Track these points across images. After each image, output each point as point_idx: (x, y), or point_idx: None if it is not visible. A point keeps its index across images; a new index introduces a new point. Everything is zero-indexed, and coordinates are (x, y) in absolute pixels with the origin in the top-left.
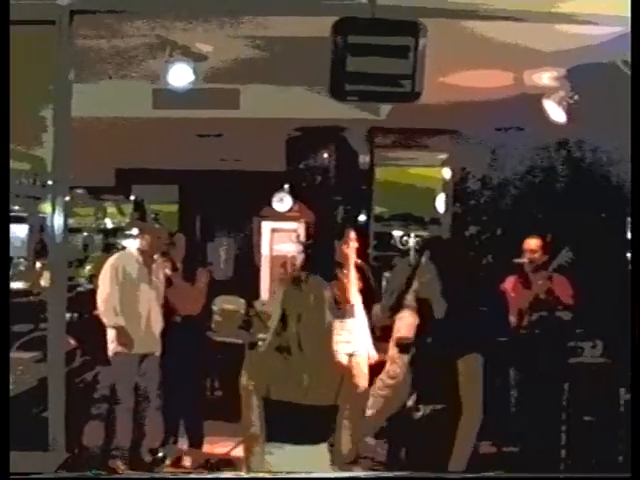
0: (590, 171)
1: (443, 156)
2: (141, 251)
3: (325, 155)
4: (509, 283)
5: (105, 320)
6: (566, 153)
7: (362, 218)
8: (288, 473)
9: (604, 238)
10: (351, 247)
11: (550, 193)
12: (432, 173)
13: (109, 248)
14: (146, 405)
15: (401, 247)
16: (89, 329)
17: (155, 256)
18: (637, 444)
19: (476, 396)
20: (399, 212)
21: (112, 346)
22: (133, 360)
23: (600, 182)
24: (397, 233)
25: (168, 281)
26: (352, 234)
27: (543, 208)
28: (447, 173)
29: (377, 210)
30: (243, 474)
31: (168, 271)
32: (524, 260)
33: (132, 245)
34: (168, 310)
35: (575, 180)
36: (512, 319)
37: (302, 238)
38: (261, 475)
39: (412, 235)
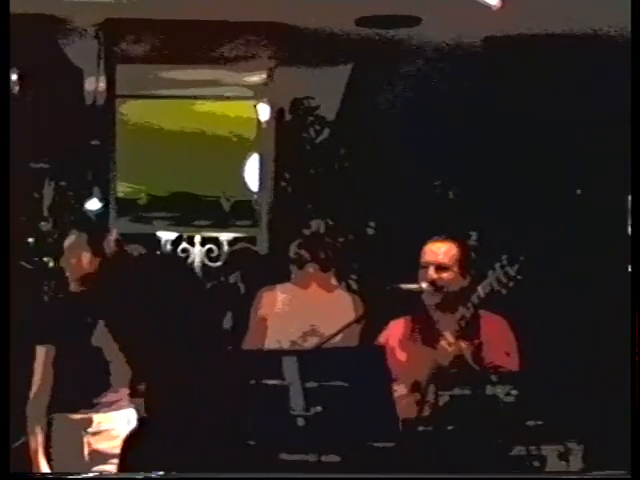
0: (541, 101)
1: (257, 78)
2: None
3: (14, 77)
4: (395, 332)
5: None
6: (496, 67)
7: (92, 205)
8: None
9: (575, 236)
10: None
11: (470, 150)
12: (235, 112)
13: None
14: None
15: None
16: None
17: None
18: (637, 444)
19: None
20: (170, 193)
21: None
22: None
23: (564, 124)
24: (168, 236)
25: None
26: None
27: (457, 179)
28: (264, 112)
29: (123, 189)
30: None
31: None
32: (422, 286)
33: None
34: None
35: (513, 120)
36: (402, 403)
37: None
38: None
39: (198, 240)
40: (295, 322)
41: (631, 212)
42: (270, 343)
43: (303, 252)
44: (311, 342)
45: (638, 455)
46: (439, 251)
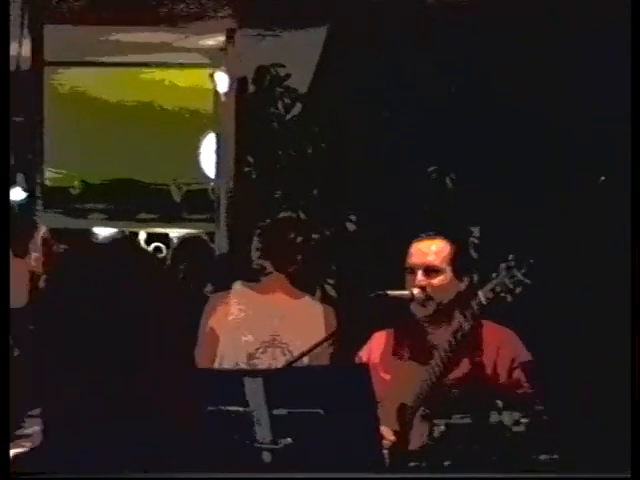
0: (551, 69)
1: (214, 42)
2: None
3: None
4: (378, 347)
5: None
6: (496, 30)
7: (15, 195)
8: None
9: (597, 232)
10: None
11: (470, 130)
12: (188, 82)
13: None
14: None
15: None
16: None
17: None
18: (637, 444)
19: None
20: (108, 180)
21: None
22: None
23: (580, 93)
24: (106, 233)
25: None
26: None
27: (456, 164)
28: (223, 82)
29: (52, 175)
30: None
31: None
32: (412, 292)
33: None
34: None
35: (522, 93)
36: (386, 431)
37: None
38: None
39: (143, 237)
40: (253, 331)
41: (631, 210)
42: (223, 357)
43: (266, 263)
44: (272, 355)
45: (638, 455)
46: (428, 250)
